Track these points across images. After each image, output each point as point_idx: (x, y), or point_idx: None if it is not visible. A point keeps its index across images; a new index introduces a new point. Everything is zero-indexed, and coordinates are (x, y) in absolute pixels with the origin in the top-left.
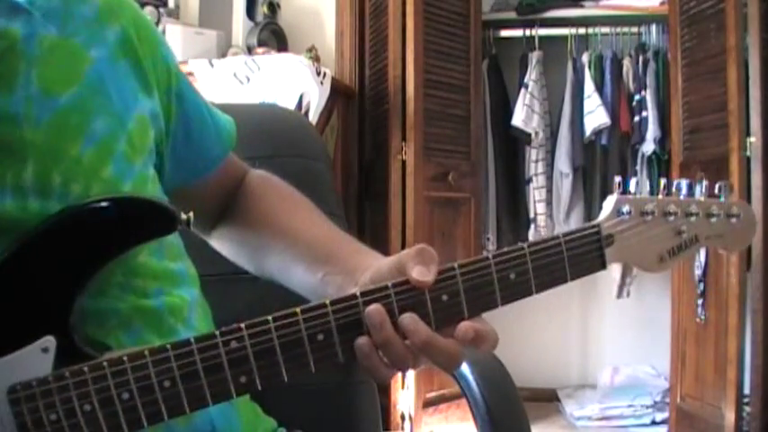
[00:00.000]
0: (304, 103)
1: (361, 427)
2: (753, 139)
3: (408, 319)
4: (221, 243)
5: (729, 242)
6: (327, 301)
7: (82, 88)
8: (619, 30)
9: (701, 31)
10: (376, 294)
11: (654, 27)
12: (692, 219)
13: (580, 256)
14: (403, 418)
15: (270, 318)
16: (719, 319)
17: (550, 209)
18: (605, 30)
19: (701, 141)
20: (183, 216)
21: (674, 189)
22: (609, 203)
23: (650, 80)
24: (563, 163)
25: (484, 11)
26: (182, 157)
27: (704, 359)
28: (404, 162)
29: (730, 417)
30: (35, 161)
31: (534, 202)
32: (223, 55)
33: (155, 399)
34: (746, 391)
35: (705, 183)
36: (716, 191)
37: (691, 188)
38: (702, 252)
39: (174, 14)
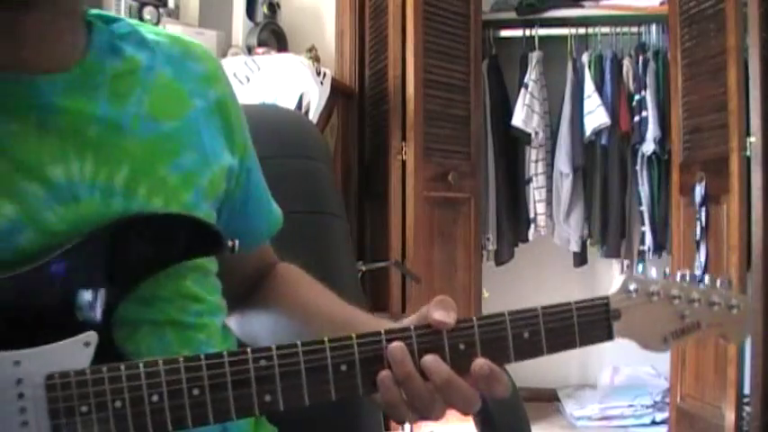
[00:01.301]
0: (304, 103)
1: (364, 428)
2: (753, 139)
3: (431, 359)
4: (244, 322)
5: (728, 332)
6: (353, 335)
7: (182, 124)
8: (619, 30)
9: (701, 31)
10: (398, 334)
11: (654, 27)
12: (695, 305)
13: (589, 324)
14: None
15: (299, 343)
16: None
17: (550, 209)
18: (605, 30)
19: (701, 141)
20: (230, 242)
21: (677, 279)
22: (618, 281)
23: (650, 80)
24: (563, 163)
25: (484, 11)
26: (231, 226)
27: (704, 359)
28: (404, 162)
29: (730, 417)
30: (129, 169)
31: (534, 202)
32: (223, 55)
33: (182, 404)
34: (746, 391)
35: (707, 277)
36: (717, 284)
37: (694, 279)
38: (702, 252)
39: (174, 14)
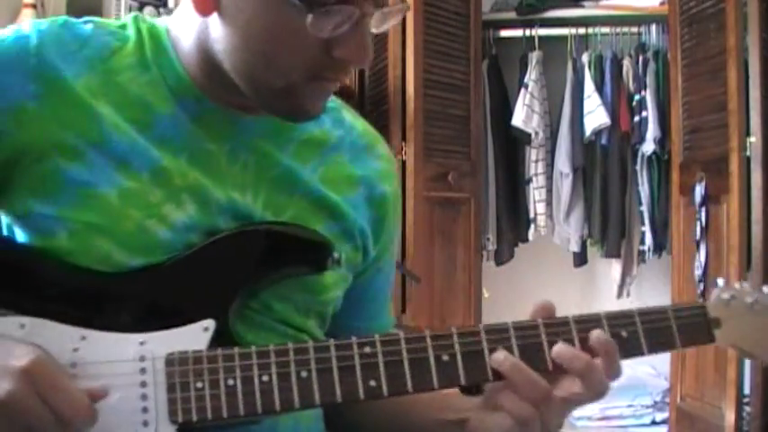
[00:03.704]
0: None
1: None
2: (753, 139)
3: (562, 346)
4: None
5: None
6: (453, 329)
7: (342, 201)
8: (619, 30)
9: (701, 31)
10: (497, 333)
11: (654, 27)
12: None
13: (687, 326)
14: None
15: (401, 333)
16: None
17: (550, 209)
18: (605, 30)
19: (700, 141)
20: (336, 254)
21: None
22: (714, 293)
23: (650, 80)
24: (563, 163)
25: (484, 11)
26: (342, 311)
27: (704, 359)
28: (404, 162)
29: (730, 417)
30: (291, 215)
31: (534, 202)
32: None
33: (290, 385)
34: (746, 391)
35: None
36: None
37: None
38: (702, 252)
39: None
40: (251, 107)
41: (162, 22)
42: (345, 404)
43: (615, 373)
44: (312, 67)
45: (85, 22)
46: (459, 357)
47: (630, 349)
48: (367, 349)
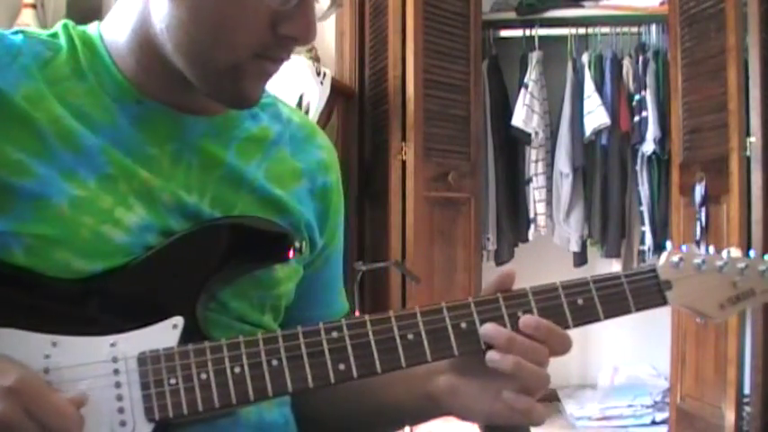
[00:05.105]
0: (304, 104)
1: None
2: (753, 139)
3: (529, 318)
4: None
5: None
6: (417, 308)
7: (287, 196)
8: (619, 30)
9: (701, 31)
10: (459, 310)
11: (654, 27)
12: (745, 273)
13: (640, 290)
14: None
15: (367, 316)
16: None
17: (550, 209)
18: (605, 30)
19: (701, 141)
20: (297, 244)
21: (716, 252)
22: (663, 256)
23: (650, 80)
24: (563, 163)
25: (484, 11)
26: (294, 304)
27: (704, 359)
28: (404, 162)
29: (730, 417)
30: (241, 205)
31: (534, 202)
32: None
33: (262, 374)
34: (746, 391)
35: (752, 252)
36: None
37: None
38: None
39: None
40: (192, 107)
41: (93, 28)
42: (317, 391)
43: (561, 343)
44: (258, 45)
45: (15, 33)
46: (424, 336)
47: (587, 316)
48: (334, 334)
